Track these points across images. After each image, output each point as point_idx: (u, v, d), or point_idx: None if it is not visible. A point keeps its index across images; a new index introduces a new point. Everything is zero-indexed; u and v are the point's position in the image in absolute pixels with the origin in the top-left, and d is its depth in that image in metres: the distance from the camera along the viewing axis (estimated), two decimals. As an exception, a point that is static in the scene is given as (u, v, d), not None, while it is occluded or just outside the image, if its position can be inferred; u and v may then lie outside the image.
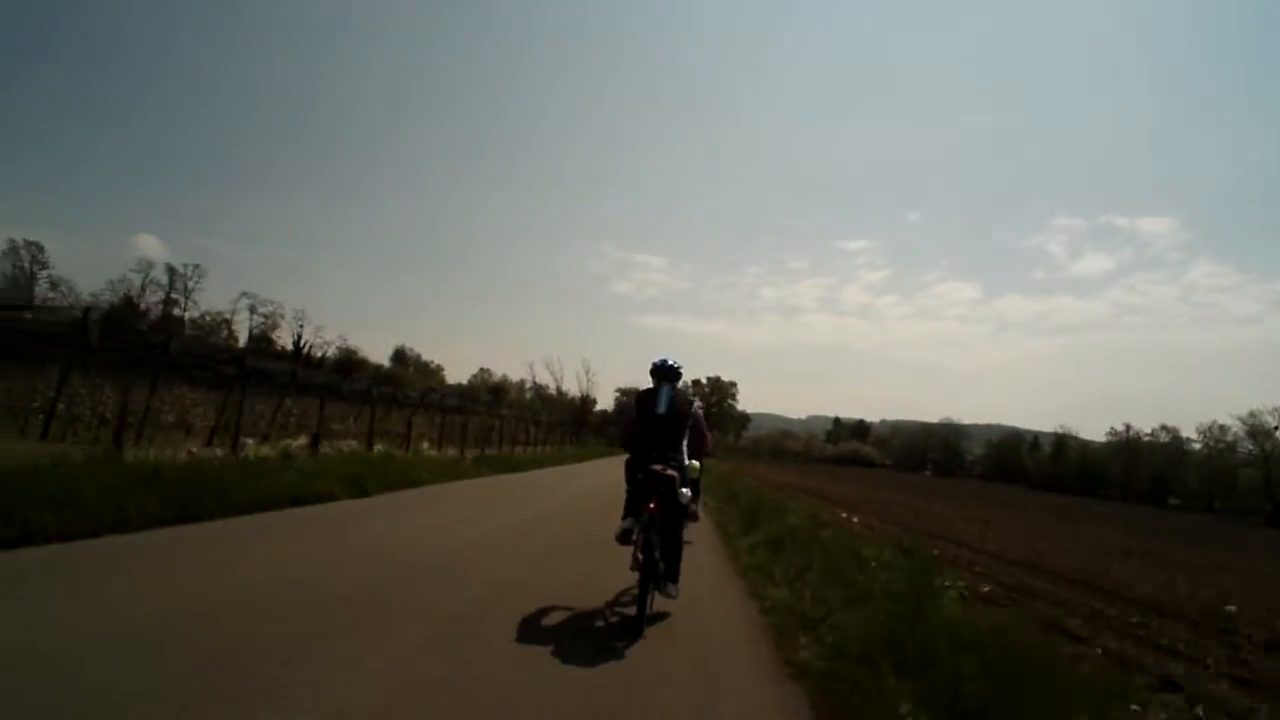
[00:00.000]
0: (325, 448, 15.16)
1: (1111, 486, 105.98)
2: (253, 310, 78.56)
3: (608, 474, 22.75)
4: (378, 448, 17.41)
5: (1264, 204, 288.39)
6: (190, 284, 76.99)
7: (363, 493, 11.31)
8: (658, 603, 5.69)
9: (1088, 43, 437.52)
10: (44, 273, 63.50)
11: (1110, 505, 72.52)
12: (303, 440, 15.18)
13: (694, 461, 6.19)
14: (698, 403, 6.55)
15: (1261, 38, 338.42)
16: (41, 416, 12.36)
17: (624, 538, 5.64)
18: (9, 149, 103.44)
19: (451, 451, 22.37)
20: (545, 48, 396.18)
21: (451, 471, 16.65)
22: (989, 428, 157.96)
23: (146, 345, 14.69)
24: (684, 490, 5.70)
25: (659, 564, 5.50)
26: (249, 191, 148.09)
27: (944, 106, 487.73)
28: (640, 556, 5.49)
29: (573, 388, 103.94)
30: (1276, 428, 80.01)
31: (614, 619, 5.62)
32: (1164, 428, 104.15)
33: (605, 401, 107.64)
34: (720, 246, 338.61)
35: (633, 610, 5.46)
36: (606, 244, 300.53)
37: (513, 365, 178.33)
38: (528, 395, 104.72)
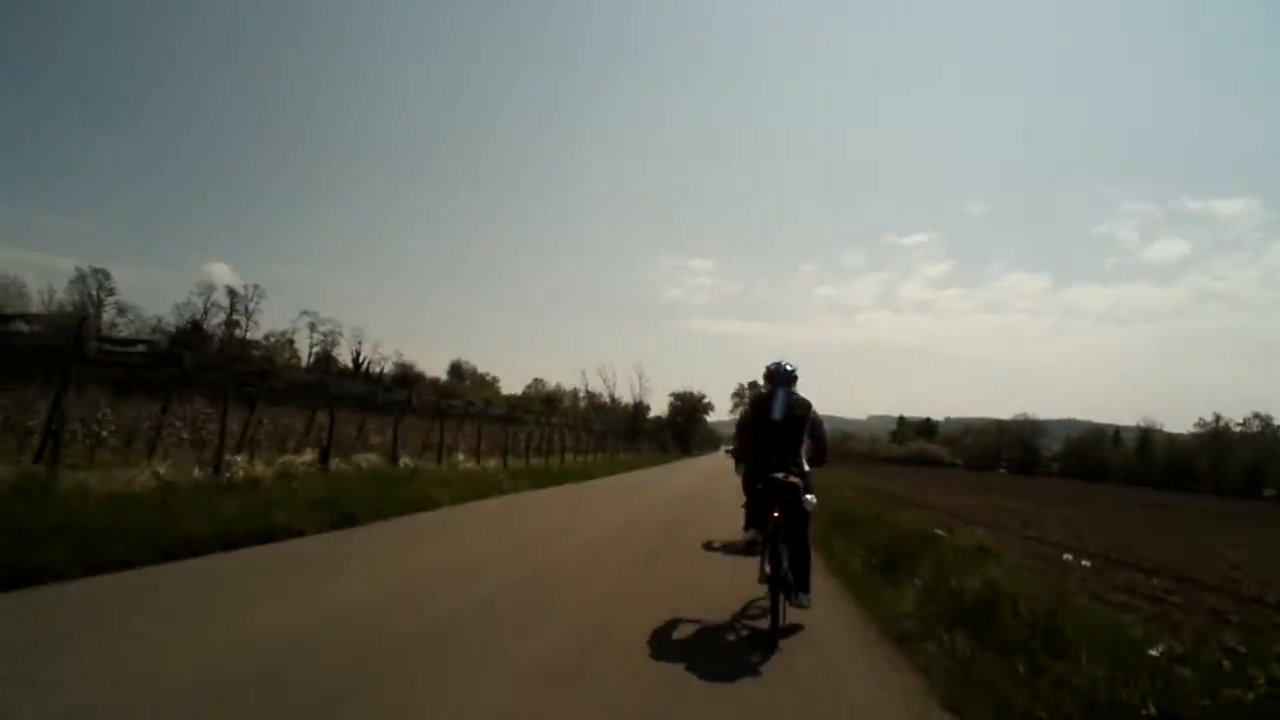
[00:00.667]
0: (340, 464, 13.87)
1: (1201, 480, 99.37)
2: (313, 328, 79.60)
3: (667, 483, 21.19)
4: (404, 461, 16.15)
5: None
6: (251, 305, 78.04)
7: (347, 522, 8.82)
8: (790, 614, 5.43)
9: (1151, 21, 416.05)
10: (111, 299, 64.98)
11: (1216, 501, 67.26)
12: (309, 455, 13.78)
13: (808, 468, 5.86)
14: (814, 408, 6.06)
15: None
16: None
17: (749, 549, 5.86)
18: (86, 181, 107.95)
19: (493, 463, 21.21)
20: (598, 60, 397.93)
21: (479, 487, 14.55)
22: (1062, 423, 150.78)
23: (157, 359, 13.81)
24: (809, 497, 5.51)
25: (789, 574, 5.32)
26: (305, 215, 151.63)
27: (1001, 90, 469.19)
28: (768, 568, 5.35)
29: (625, 395, 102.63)
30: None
31: (745, 632, 5.43)
32: (1256, 415, 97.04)
33: (659, 408, 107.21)
34: (771, 246, 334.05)
35: (763, 623, 5.35)
36: (657, 250, 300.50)
37: (567, 375, 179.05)
38: (581, 404, 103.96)
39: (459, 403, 26.84)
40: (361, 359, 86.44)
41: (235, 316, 77.42)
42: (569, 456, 31.86)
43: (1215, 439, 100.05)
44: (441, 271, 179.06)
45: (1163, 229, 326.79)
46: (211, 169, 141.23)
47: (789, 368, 6.08)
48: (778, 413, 5.78)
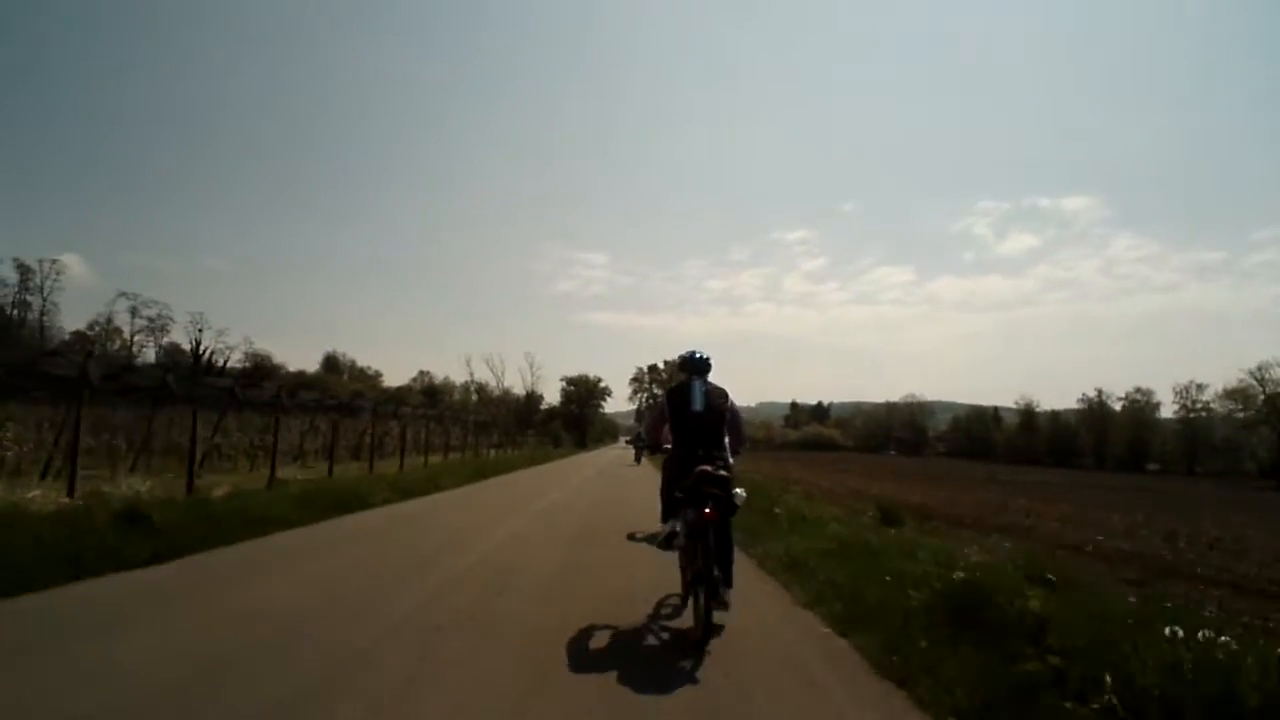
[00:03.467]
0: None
1: (1083, 456, 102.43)
2: (134, 313, 67.50)
3: (529, 508, 14.64)
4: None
5: (1178, 179, 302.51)
6: (47, 283, 65.03)
7: None
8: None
9: (1004, 30, 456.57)
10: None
11: (1103, 476, 67.31)
12: None
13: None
14: (731, 397, 5.77)
15: (1168, 19, 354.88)
16: None
17: (668, 542, 5.50)
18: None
19: (295, 472, 14.51)
20: (488, 51, 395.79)
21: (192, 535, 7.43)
22: (940, 405, 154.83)
23: None
24: (738, 491, 5.33)
25: (718, 575, 4.98)
26: (174, 204, 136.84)
27: (873, 96, 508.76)
28: (695, 566, 4.96)
29: (517, 384, 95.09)
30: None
31: (665, 635, 5.05)
32: (1139, 390, 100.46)
33: (552, 397, 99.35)
34: (662, 241, 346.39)
35: (680, 624, 5.29)
36: (549, 243, 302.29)
37: (459, 368, 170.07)
38: (473, 396, 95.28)
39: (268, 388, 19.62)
40: (203, 349, 74.70)
41: (28, 296, 64.62)
42: (433, 457, 25.18)
43: (1097, 415, 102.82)
44: (321, 266, 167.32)
45: (1014, 225, 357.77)
46: (64, 158, 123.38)
47: (702, 356, 5.83)
48: (698, 403, 5.55)
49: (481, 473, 20.54)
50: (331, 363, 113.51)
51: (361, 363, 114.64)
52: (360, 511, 11.22)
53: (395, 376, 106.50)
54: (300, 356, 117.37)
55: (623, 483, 19.87)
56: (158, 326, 69.89)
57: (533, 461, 30.82)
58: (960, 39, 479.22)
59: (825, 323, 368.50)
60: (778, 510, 11.28)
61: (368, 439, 30.26)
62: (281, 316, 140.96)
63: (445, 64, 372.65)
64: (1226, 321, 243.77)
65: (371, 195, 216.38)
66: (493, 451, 32.97)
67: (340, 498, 11.36)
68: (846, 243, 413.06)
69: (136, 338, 69.23)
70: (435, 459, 26.85)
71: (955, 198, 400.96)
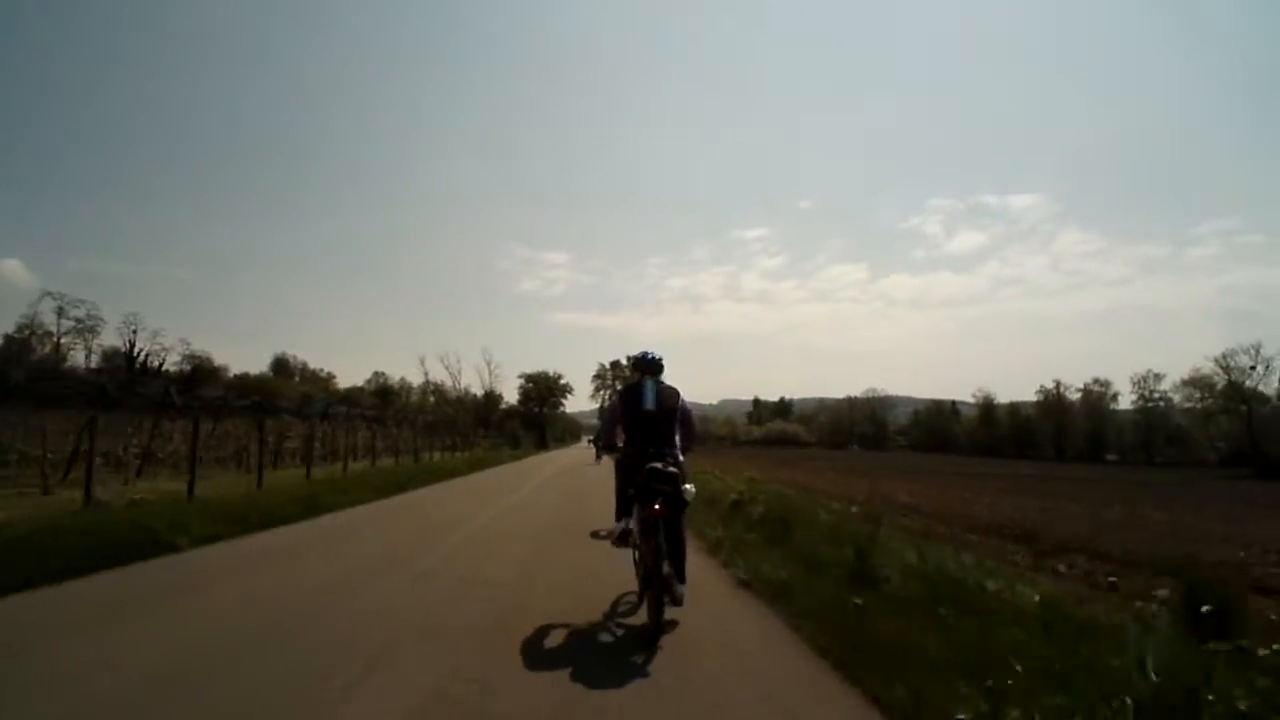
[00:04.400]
0: None
1: (1043, 447, 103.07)
2: (60, 313, 63.01)
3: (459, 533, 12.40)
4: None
5: (1122, 173, 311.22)
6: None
7: None
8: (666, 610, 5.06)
9: (954, 36, 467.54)
10: None
11: (1065, 467, 67.14)
12: None
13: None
14: (683, 396, 5.90)
15: (1109, 16, 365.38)
16: None
17: (622, 539, 5.61)
18: None
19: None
20: (450, 47, 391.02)
21: None
22: (899, 399, 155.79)
23: None
24: (688, 487, 5.28)
25: (667, 567, 4.99)
26: (129, 209, 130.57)
27: (827, 97, 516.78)
28: (647, 563, 4.99)
29: (474, 383, 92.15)
30: (1253, 367, 76.33)
31: (620, 632, 5.05)
32: (1097, 381, 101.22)
33: (512, 396, 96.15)
34: (623, 240, 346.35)
35: (633, 620, 5.30)
36: (511, 243, 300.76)
37: (418, 370, 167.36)
38: (430, 398, 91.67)
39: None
40: (137, 351, 70.26)
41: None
42: (346, 462, 22.75)
43: (1055, 407, 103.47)
44: (279, 269, 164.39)
45: (963, 222, 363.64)
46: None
47: (654, 356, 6.00)
48: (650, 403, 5.66)
49: (400, 484, 16.25)
50: (281, 365, 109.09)
51: (314, 365, 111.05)
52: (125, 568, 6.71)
53: (353, 380, 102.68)
54: (254, 360, 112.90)
55: (581, 491, 16.95)
56: (86, 328, 65.23)
57: (479, 465, 27.72)
58: (911, 40, 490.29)
59: (784, 320, 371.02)
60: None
61: (290, 444, 27.77)
62: (237, 321, 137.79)
63: (408, 64, 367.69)
64: (1172, 314, 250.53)
65: (332, 198, 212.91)
66: (436, 454, 30.46)
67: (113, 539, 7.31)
68: (804, 241, 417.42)
69: (64, 339, 64.49)
70: (359, 465, 24.45)
71: (906, 196, 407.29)
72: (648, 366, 5.91)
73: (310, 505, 11.24)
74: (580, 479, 22.16)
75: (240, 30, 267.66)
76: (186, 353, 74.53)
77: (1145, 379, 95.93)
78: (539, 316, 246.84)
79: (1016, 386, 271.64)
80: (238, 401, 22.79)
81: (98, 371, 63.97)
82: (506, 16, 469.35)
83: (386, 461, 23.96)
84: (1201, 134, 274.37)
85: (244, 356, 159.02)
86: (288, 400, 65.37)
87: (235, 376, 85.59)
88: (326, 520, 10.69)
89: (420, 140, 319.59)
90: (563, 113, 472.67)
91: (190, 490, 11.74)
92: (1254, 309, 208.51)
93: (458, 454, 35.77)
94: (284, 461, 23.88)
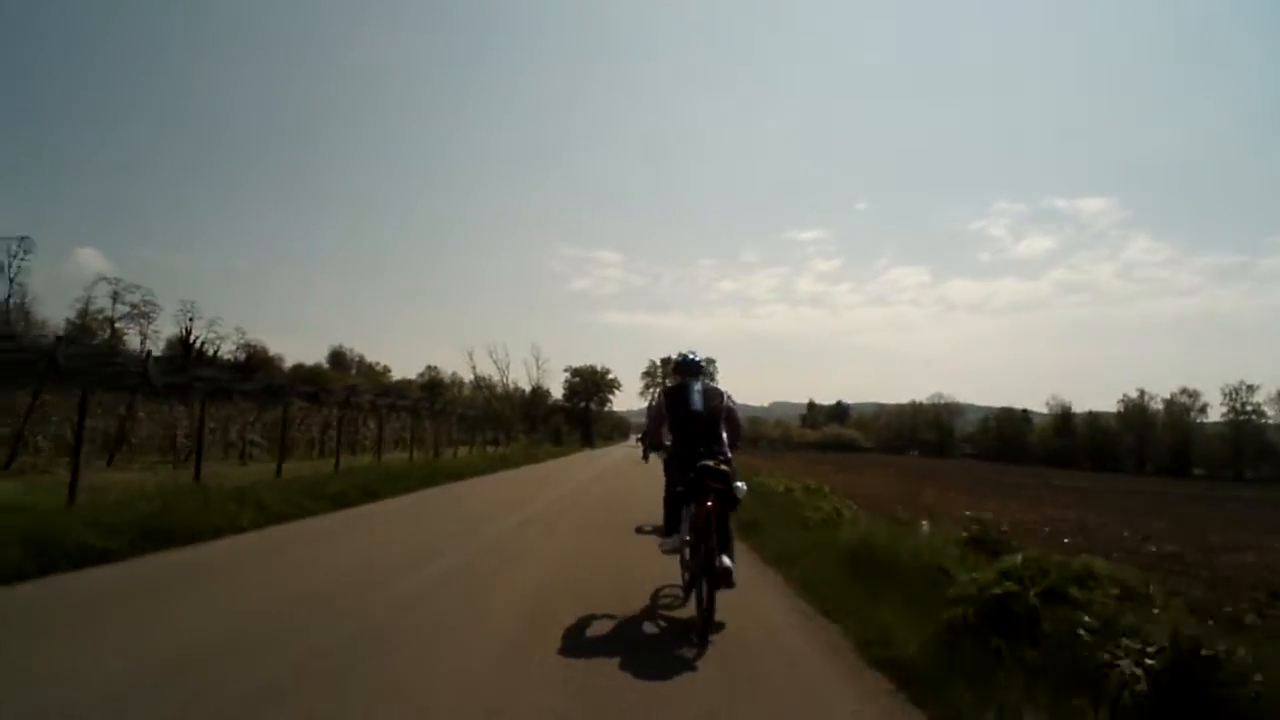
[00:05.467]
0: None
1: (1122, 459, 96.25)
2: (115, 299, 63.12)
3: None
4: None
5: (1195, 180, 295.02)
6: (14, 264, 57.26)
7: None
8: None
9: (1019, 31, 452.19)
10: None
11: (1150, 481, 61.60)
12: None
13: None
14: (729, 395, 6.00)
15: (1186, 19, 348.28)
16: None
17: (675, 551, 5.69)
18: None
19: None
20: (506, 50, 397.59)
21: None
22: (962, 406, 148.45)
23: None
24: (739, 485, 5.42)
25: (724, 564, 4.95)
26: (190, 201, 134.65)
27: (885, 96, 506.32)
28: (701, 558, 5.01)
29: (523, 379, 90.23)
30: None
31: (665, 625, 5.13)
32: (1184, 391, 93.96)
33: (559, 392, 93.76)
34: (674, 241, 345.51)
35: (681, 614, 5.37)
36: (562, 242, 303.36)
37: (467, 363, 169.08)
38: (482, 392, 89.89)
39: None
40: (194, 338, 70.42)
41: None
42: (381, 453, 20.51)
43: (1138, 417, 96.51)
44: (335, 263, 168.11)
45: (1030, 226, 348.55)
46: (80, 155, 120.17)
47: (695, 359, 6.11)
48: (697, 403, 5.75)
49: (370, 491, 12.91)
50: (338, 358, 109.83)
51: (370, 359, 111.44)
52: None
53: (408, 373, 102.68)
54: (312, 352, 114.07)
55: (626, 500, 14.34)
56: (141, 313, 65.36)
57: (505, 464, 25.63)
58: (975, 38, 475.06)
59: (839, 324, 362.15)
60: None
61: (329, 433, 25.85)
62: (295, 313, 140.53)
63: (458, 63, 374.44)
64: (1244, 325, 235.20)
65: (386, 194, 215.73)
66: (463, 450, 28.13)
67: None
68: (860, 243, 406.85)
69: (118, 325, 64.73)
70: (392, 457, 22.21)
71: (971, 198, 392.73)
72: (690, 369, 6.05)
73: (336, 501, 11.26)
74: (623, 485, 18.97)
75: (289, 31, 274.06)
76: (241, 342, 74.63)
77: (1237, 390, 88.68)
78: (590, 316, 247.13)
79: (1083, 395, 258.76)
80: (245, 387, 21.47)
81: (152, 358, 64.51)
82: (555, 14, 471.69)
83: (395, 457, 21.59)
84: (1276, 142, 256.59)
85: (307, 348, 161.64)
86: (336, 391, 64.78)
87: (291, 367, 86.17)
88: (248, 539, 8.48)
89: (472, 138, 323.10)
90: (613, 112, 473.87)
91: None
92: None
93: (490, 450, 33.51)
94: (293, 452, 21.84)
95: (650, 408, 6.68)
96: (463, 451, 27.25)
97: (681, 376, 6.02)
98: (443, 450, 28.12)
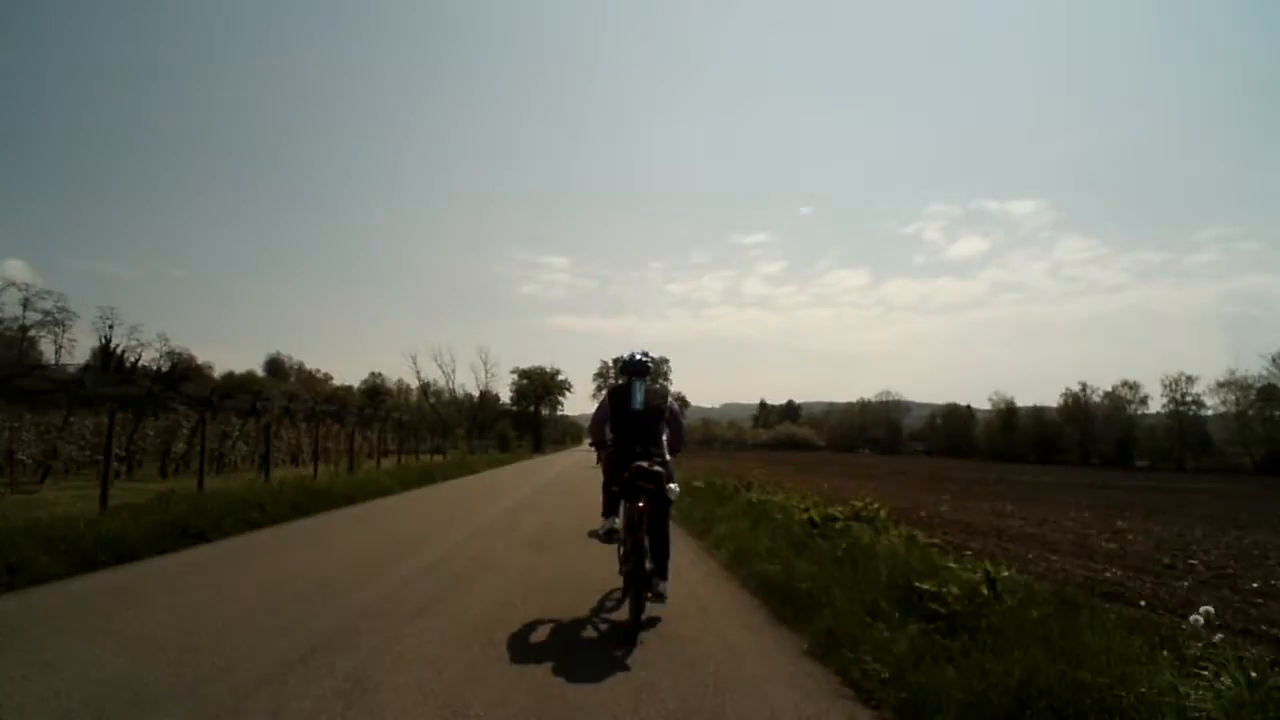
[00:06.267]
0: None
1: (1067, 452, 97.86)
2: (26, 305, 58.42)
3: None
4: None
5: (1121, 180, 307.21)
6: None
7: None
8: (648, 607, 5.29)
9: (952, 41, 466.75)
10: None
11: (1098, 473, 62.10)
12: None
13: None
14: (672, 397, 6.09)
15: (1112, 25, 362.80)
16: None
17: (608, 537, 5.56)
18: None
19: None
20: (452, 53, 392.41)
21: None
22: (912, 404, 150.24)
23: None
24: (672, 485, 5.37)
25: (651, 567, 5.21)
26: (132, 211, 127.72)
27: (821, 103, 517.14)
28: (630, 559, 5.15)
29: (470, 383, 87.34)
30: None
31: (604, 626, 5.16)
32: (1125, 384, 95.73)
33: (507, 395, 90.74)
34: (623, 245, 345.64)
35: (618, 616, 5.42)
36: (512, 246, 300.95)
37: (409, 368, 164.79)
38: (430, 399, 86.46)
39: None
40: (114, 346, 65.86)
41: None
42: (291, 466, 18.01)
43: (1080, 411, 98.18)
44: (279, 271, 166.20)
45: (963, 228, 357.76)
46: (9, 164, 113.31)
47: (641, 359, 5.99)
48: (638, 402, 5.76)
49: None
50: (275, 365, 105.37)
51: (312, 366, 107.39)
52: None
53: (353, 381, 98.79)
54: (252, 360, 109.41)
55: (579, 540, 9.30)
56: (54, 320, 60.73)
57: (418, 481, 20.41)
58: (914, 44, 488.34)
59: (786, 325, 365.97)
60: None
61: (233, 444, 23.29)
62: (237, 322, 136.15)
63: (407, 68, 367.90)
64: (1171, 320, 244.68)
65: (332, 200, 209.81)
66: (380, 462, 25.74)
67: None
68: (805, 246, 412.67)
69: (30, 332, 60.02)
70: (285, 472, 19.85)
71: (907, 201, 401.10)
72: (634, 369, 5.96)
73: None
74: (578, 501, 15.79)
75: (237, 32, 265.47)
76: (165, 350, 70.14)
77: (1177, 381, 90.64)
78: (539, 320, 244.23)
79: (1021, 390, 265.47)
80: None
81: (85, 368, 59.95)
82: (505, 18, 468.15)
83: (290, 473, 19.24)
84: (1201, 140, 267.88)
85: (245, 358, 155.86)
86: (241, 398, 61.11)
87: (222, 376, 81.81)
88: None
89: (418, 142, 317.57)
90: (561, 116, 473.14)
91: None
92: (1254, 315, 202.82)
93: (428, 459, 31.15)
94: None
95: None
96: (388, 464, 24.86)
97: (627, 376, 5.94)
98: (364, 461, 25.80)
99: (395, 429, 36.05)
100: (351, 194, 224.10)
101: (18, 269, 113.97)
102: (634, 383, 5.83)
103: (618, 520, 5.37)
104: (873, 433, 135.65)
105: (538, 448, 76.58)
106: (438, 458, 32.54)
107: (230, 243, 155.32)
